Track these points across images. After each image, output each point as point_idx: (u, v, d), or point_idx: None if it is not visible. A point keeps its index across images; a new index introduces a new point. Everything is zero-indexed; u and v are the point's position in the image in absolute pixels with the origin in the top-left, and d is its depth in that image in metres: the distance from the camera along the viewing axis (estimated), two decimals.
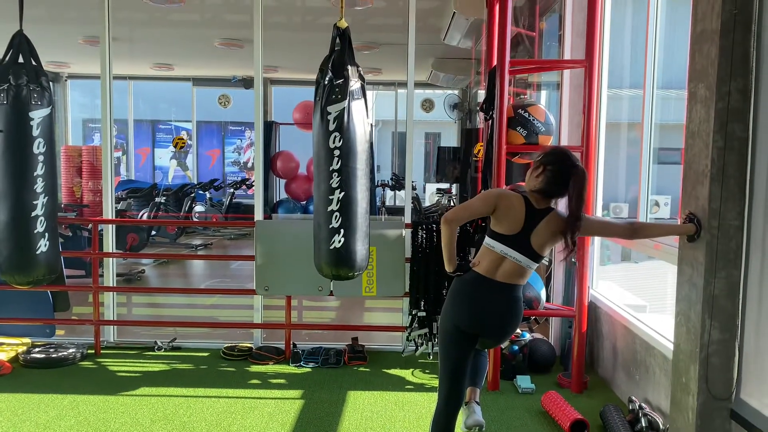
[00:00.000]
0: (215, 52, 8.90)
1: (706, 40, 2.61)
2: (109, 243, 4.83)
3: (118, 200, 8.83)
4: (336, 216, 3.35)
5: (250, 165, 16.22)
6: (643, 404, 3.47)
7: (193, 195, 9.82)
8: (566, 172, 2.55)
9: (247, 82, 11.19)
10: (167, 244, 9.45)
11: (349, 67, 3.35)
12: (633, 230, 2.80)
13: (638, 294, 4.73)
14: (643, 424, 3.30)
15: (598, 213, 4.63)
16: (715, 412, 2.65)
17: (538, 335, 4.63)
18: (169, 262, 8.47)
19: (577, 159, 2.65)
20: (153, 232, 9.04)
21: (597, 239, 4.49)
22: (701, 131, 2.64)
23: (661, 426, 3.24)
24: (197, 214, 10.36)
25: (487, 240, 2.63)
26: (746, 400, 2.58)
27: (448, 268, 2.66)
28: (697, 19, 2.68)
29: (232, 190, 10.69)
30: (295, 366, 4.42)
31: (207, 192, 10.65)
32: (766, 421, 2.43)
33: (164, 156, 16.19)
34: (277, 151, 10.24)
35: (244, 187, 11.10)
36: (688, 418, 2.71)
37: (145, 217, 8.90)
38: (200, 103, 13.04)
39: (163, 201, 9.24)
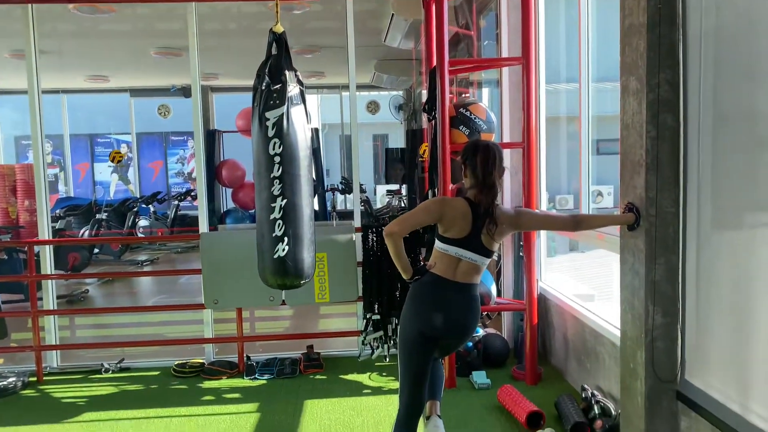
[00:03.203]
0: (152, 61, 8.68)
1: (635, 34, 2.68)
2: (47, 264, 4.63)
3: (56, 219, 8.48)
4: (279, 224, 3.29)
5: (195, 175, 15.89)
6: (595, 392, 3.54)
7: (135, 209, 9.54)
8: (477, 159, 2.65)
9: (187, 91, 10.94)
10: (111, 261, 9.15)
11: (287, 72, 3.30)
12: (576, 222, 2.85)
13: (586, 283, 4.84)
14: (596, 412, 3.37)
15: (544, 206, 4.71)
16: (663, 394, 2.72)
17: (491, 330, 4.68)
18: (114, 280, 8.20)
19: (485, 141, 2.83)
20: (96, 250, 8.73)
21: (543, 232, 4.57)
22: (635, 123, 2.71)
23: (613, 412, 3.31)
24: (141, 229, 10.07)
25: (439, 245, 2.64)
26: (691, 381, 2.66)
27: (405, 276, 2.66)
28: (625, 14, 2.75)
29: (176, 202, 10.43)
30: (250, 379, 4.34)
31: (150, 206, 10.37)
32: (709, 400, 2.51)
33: (104, 171, 15.70)
34: (222, 159, 10.06)
35: (189, 198, 10.85)
36: (637, 403, 2.78)
37: (86, 235, 8.59)
38: (139, 115, 12.70)
39: (104, 217, 8.94)
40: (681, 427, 2.69)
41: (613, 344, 3.41)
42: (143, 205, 10.13)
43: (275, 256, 3.30)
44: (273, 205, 3.27)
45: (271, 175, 3.27)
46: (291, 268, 3.33)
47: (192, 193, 10.81)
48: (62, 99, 11.86)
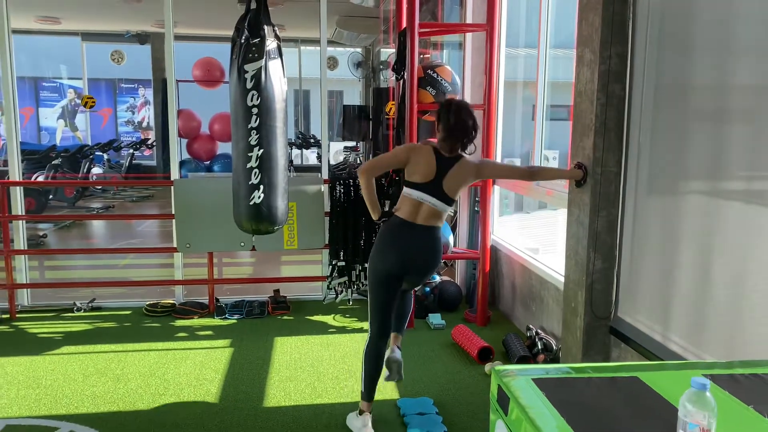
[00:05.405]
0: (107, 5, 8.48)
1: (591, 10, 2.99)
2: (18, 205, 4.70)
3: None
4: (255, 173, 3.51)
5: (145, 124, 15.60)
6: (539, 330, 3.97)
7: (91, 157, 9.44)
8: (451, 111, 2.92)
9: (142, 38, 10.72)
10: (65, 207, 9.10)
11: (266, 27, 3.47)
12: (532, 173, 3.19)
13: (531, 239, 5.26)
14: (539, 347, 3.80)
15: None
16: (598, 329, 3.14)
17: (446, 278, 5.06)
18: (70, 226, 8.19)
19: (458, 99, 2.99)
20: (50, 196, 8.66)
21: (497, 193, 4.93)
22: (587, 90, 3.04)
23: (554, 347, 3.75)
24: (95, 177, 9.98)
25: (405, 190, 2.93)
26: (622, 317, 3.08)
27: (373, 215, 2.94)
28: None
29: (132, 150, 10.34)
30: (221, 318, 4.59)
31: (105, 153, 10.25)
32: (637, 332, 2.94)
33: (50, 116, 15.23)
34: (177, 109, 9.98)
35: (145, 147, 10.77)
36: (576, 337, 3.20)
37: (41, 180, 8.49)
38: (89, 60, 12.35)
39: (58, 163, 8.83)
40: (612, 356, 3.13)
41: (557, 289, 3.82)
42: (98, 153, 10.01)
43: (251, 202, 3.53)
44: (250, 154, 3.48)
45: (249, 126, 3.47)
46: (266, 214, 3.57)
47: (148, 143, 10.72)
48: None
